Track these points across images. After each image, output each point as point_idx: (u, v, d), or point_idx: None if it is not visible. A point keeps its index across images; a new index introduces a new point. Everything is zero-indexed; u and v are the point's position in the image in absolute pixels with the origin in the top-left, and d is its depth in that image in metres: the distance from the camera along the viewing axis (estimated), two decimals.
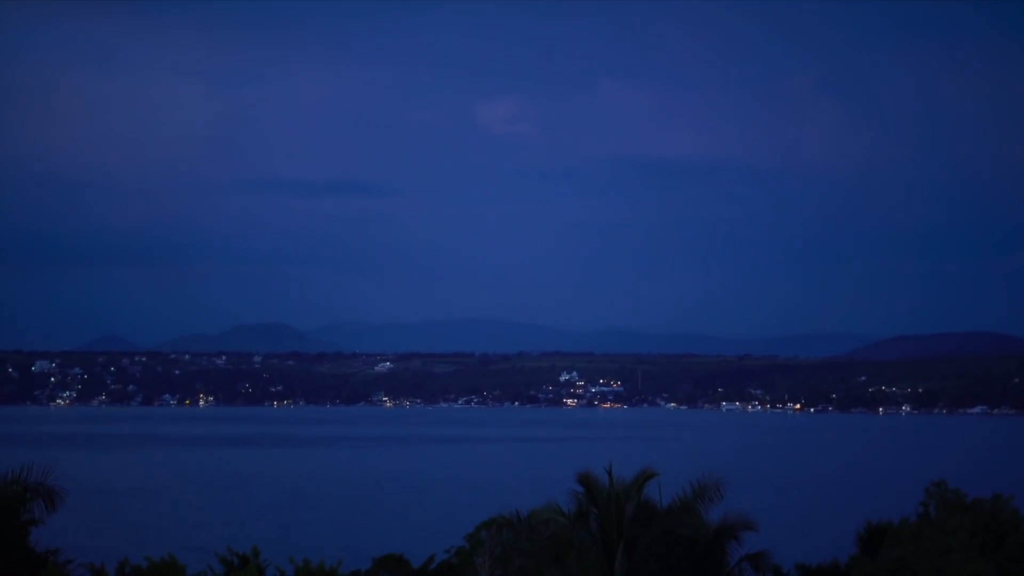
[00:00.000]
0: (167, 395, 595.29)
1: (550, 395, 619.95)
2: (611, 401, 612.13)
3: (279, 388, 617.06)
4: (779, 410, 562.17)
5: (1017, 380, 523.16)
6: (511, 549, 41.61)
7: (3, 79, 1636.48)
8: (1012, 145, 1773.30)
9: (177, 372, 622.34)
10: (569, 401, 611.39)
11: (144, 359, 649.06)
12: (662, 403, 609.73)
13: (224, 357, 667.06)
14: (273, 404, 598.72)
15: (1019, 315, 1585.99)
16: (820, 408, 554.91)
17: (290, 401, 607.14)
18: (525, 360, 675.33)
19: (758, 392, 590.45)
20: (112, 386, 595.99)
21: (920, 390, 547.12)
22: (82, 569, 42.24)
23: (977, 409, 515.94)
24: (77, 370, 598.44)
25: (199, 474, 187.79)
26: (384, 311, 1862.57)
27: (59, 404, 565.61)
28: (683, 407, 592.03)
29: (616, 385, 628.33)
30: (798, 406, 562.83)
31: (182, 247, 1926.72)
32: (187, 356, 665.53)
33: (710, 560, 41.41)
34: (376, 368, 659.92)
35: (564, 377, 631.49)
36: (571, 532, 40.61)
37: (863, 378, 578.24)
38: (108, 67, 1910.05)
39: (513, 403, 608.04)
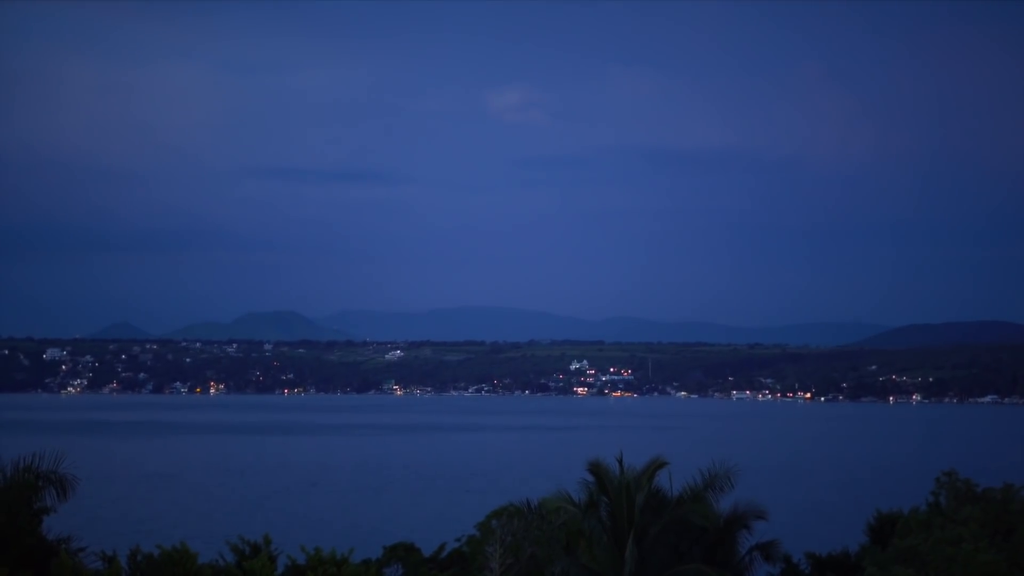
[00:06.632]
0: (178, 383, 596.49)
1: (560, 384, 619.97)
2: (621, 390, 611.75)
3: (290, 376, 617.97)
4: (789, 399, 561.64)
5: None
6: (522, 538, 41.61)
7: (14, 67, 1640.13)
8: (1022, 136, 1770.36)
9: (188, 360, 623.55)
10: (579, 390, 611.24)
11: (155, 347, 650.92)
12: (672, 392, 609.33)
13: (235, 345, 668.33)
14: (283, 392, 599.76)
15: None
16: (830, 397, 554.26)
17: (301, 389, 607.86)
18: (535, 348, 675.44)
19: (768, 381, 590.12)
20: (123, 374, 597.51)
21: (931, 379, 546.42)
22: (94, 557, 42.26)
23: (988, 398, 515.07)
24: (88, 358, 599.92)
25: (210, 462, 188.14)
26: (395, 299, 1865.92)
27: (70, 392, 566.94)
28: (693, 396, 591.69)
29: (626, 374, 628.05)
30: (808, 395, 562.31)
31: (193, 235, 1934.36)
32: (198, 344, 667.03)
33: (721, 549, 41.46)
34: (387, 356, 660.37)
35: (575, 366, 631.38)
36: (582, 521, 40.65)
37: (874, 367, 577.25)
38: (119, 55, 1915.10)
39: (523, 391, 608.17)
